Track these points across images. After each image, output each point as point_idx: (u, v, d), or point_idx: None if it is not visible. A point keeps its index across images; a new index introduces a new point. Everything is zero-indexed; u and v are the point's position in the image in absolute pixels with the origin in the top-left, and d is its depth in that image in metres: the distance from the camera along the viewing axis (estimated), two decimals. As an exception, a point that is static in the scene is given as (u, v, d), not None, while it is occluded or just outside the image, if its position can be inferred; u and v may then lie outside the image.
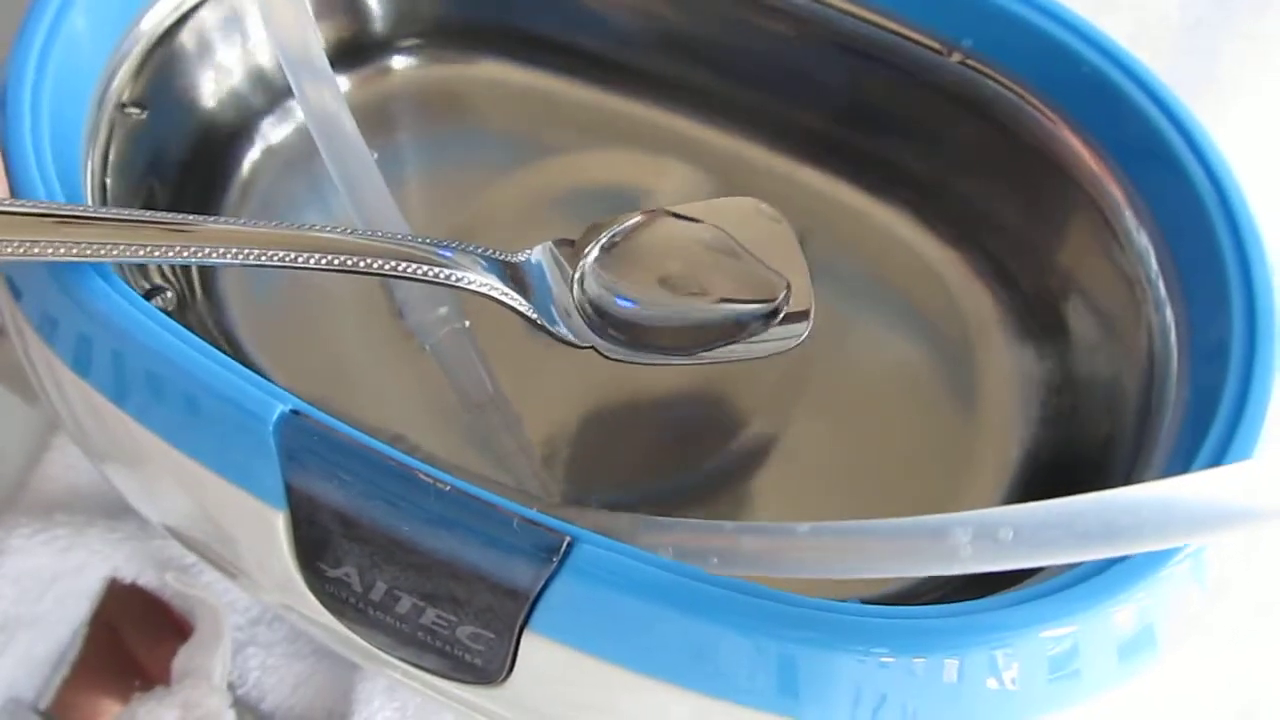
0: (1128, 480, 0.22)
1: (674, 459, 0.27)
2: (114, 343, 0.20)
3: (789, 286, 0.25)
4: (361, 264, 0.22)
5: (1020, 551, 0.16)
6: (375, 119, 0.31)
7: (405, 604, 0.19)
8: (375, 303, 0.28)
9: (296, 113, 0.31)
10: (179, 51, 0.28)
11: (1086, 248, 0.26)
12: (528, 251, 0.25)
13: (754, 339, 0.25)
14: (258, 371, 0.21)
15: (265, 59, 0.30)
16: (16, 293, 0.22)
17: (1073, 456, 0.26)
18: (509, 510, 0.19)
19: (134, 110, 0.26)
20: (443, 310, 0.27)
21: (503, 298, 0.24)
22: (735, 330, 0.26)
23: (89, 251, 0.20)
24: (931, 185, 0.30)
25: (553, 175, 0.31)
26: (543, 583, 0.18)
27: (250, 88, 0.30)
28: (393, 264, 0.22)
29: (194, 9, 0.28)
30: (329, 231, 0.22)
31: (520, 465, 0.26)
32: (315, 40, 0.27)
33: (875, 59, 0.28)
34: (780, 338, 0.25)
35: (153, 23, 0.27)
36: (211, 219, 0.21)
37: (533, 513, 0.19)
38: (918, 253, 0.30)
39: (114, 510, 0.31)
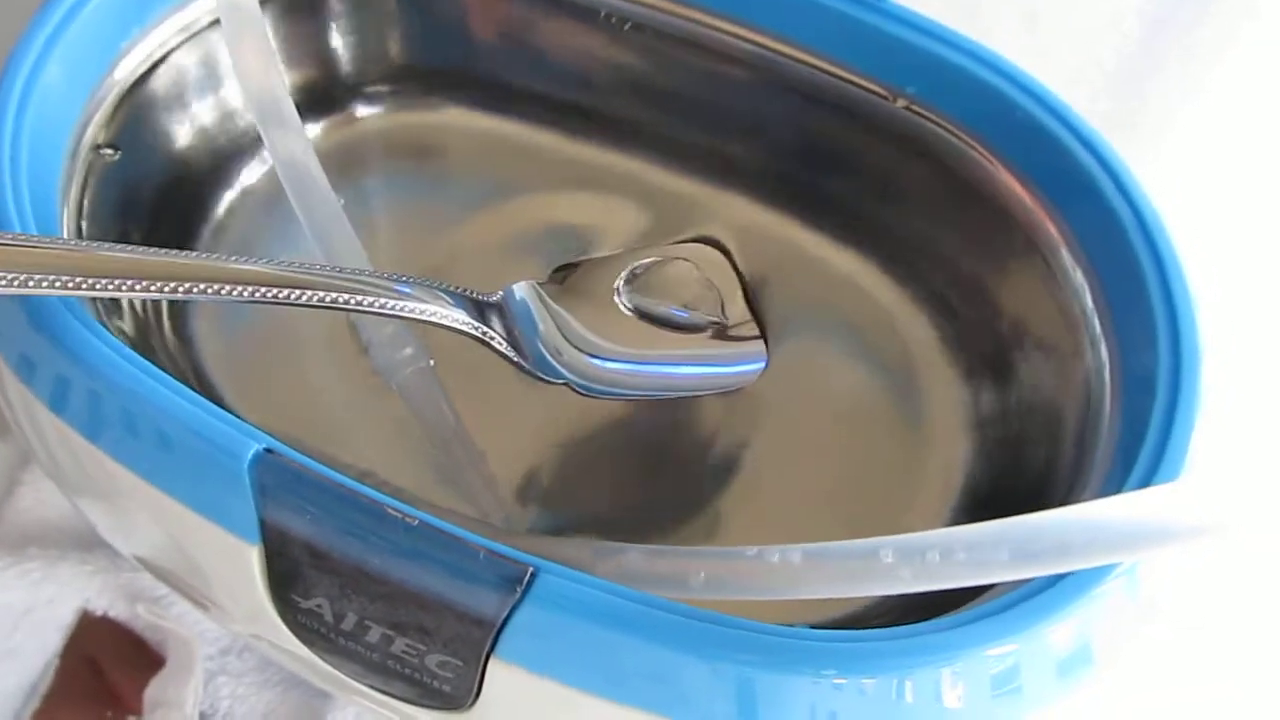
0: (1065, 504, 0.23)
1: (635, 487, 0.28)
2: (91, 383, 0.21)
3: (745, 325, 0.28)
4: (350, 301, 0.23)
5: (953, 572, 0.17)
6: (343, 164, 0.31)
7: (375, 633, 0.20)
8: (342, 342, 0.28)
9: (269, 156, 0.31)
10: (153, 98, 0.28)
11: (1026, 284, 0.27)
12: (510, 288, 0.26)
13: (714, 366, 0.28)
14: (228, 409, 0.21)
15: (238, 103, 0.30)
16: (-8, 334, 0.22)
17: (1014, 482, 0.27)
18: (474, 543, 0.19)
19: (108, 151, 0.26)
20: (408, 350, 0.27)
21: (481, 335, 0.25)
22: (699, 360, 0.28)
23: (49, 285, 0.20)
24: (878, 223, 0.30)
25: (517, 218, 0.31)
26: (507, 612, 0.19)
27: (223, 131, 0.30)
28: (370, 300, 0.23)
29: (167, 56, 0.28)
30: (312, 270, 0.23)
31: (485, 498, 0.26)
32: (283, 89, 0.27)
33: (825, 105, 0.29)
34: (739, 373, 0.28)
35: (126, 70, 0.27)
36: (182, 254, 0.22)
37: (497, 545, 0.19)
38: (864, 287, 0.30)
39: (86, 543, 0.31)
